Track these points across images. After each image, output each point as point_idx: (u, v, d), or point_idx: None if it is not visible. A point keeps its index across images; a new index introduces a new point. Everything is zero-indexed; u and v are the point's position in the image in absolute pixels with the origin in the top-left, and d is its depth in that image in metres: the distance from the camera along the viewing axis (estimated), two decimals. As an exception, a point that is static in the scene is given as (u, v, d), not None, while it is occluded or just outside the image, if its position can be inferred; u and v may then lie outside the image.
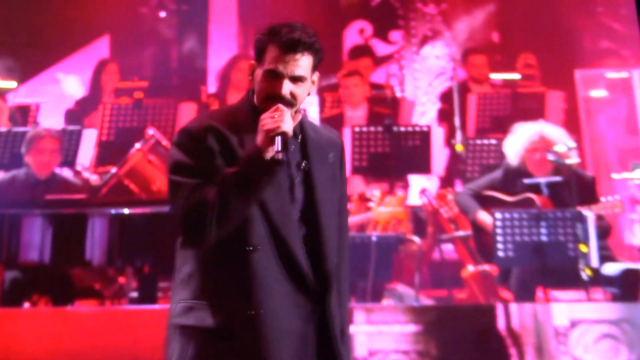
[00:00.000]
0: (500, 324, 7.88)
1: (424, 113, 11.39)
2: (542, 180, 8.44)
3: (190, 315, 3.59)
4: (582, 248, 8.16)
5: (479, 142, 9.54)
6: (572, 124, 9.79)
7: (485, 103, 10.21)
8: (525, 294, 8.16)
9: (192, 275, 3.63)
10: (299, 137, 3.73)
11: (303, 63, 3.68)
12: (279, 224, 3.61)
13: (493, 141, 9.26)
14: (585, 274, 8.14)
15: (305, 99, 3.75)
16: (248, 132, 3.63)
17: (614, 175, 9.38)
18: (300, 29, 3.69)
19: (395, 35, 11.76)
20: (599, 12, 10.87)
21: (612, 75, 10.04)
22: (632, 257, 9.03)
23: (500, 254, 8.18)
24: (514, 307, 7.93)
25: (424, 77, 11.57)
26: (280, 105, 3.61)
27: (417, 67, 11.65)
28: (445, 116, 10.34)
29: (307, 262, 3.64)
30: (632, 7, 10.11)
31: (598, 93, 10.17)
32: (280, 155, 3.55)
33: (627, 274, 8.31)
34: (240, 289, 3.57)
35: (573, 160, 8.45)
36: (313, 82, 3.76)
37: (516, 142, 8.50)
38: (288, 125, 3.58)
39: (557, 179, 8.40)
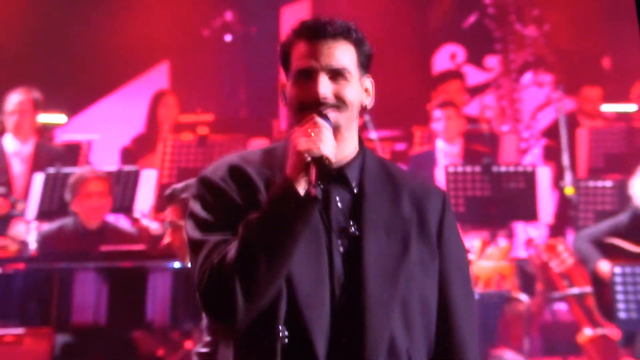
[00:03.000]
0: (624, 396, 7.45)
1: (527, 150, 10.75)
2: None
3: None
4: None
5: (592, 184, 9.03)
6: None
7: (598, 139, 9.73)
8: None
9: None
10: (353, 182, 2.84)
11: (341, 52, 2.85)
12: (302, 307, 2.79)
13: (608, 183, 8.82)
14: None
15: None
16: (283, 171, 2.82)
17: None
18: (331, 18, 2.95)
19: (492, 60, 11.30)
20: None
21: None
22: None
23: (622, 315, 7.69)
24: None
25: (525, 108, 10.91)
26: (317, 117, 2.77)
27: (517, 97, 10.99)
28: (551, 154, 9.87)
29: None
30: None
31: None
32: (313, 191, 2.71)
33: None
34: None
35: None
36: (367, 91, 2.89)
37: None
38: (328, 145, 2.73)
39: None
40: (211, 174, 2.93)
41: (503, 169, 8.83)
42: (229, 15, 11.18)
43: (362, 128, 9.00)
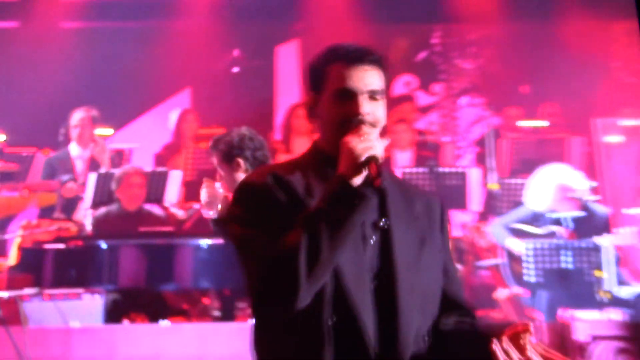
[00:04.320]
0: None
1: (461, 156, 11.27)
2: (565, 215, 8.51)
3: None
4: (598, 274, 8.29)
5: (512, 181, 9.49)
6: (591, 166, 9.78)
7: (517, 147, 10.14)
8: (551, 314, 8.13)
9: (261, 344, 2.91)
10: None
11: (375, 77, 2.91)
12: (350, 291, 2.80)
13: (523, 181, 9.16)
14: (600, 296, 8.25)
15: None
16: (317, 179, 2.88)
17: (628, 210, 9.28)
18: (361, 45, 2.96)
19: (437, 87, 11.71)
20: (614, 67, 10.82)
21: (625, 123, 9.97)
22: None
23: (531, 279, 8.28)
24: (542, 325, 7.92)
25: (461, 124, 11.47)
26: (365, 127, 2.85)
27: (456, 116, 11.54)
28: (481, 159, 10.24)
29: (377, 345, 2.80)
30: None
31: (613, 139, 10.01)
32: (379, 182, 2.76)
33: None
34: None
35: (591, 197, 8.71)
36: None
37: (542, 183, 8.56)
38: (378, 147, 2.81)
39: (579, 214, 8.48)
40: (254, 180, 2.89)
41: (443, 169, 9.45)
42: (236, 52, 11.58)
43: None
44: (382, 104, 2.90)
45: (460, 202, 9.35)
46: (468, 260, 9.10)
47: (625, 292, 8.35)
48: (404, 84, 11.65)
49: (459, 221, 9.60)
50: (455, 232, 9.39)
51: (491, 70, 11.38)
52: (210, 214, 5.51)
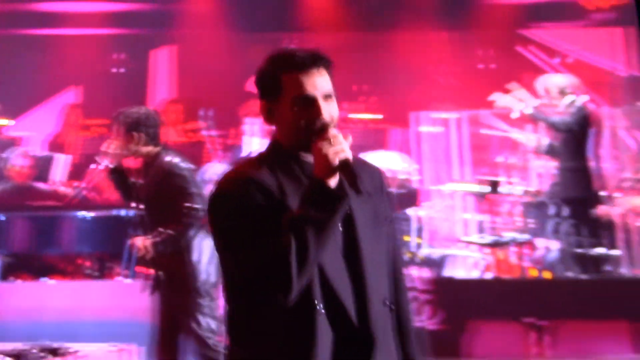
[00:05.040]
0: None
1: None
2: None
3: None
4: (406, 238, 9.36)
5: None
6: (408, 152, 10.68)
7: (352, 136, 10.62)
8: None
9: (249, 331, 2.90)
10: None
11: (327, 79, 2.93)
12: (334, 282, 2.87)
13: None
14: (407, 256, 9.23)
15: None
16: (285, 177, 2.88)
17: (435, 187, 10.24)
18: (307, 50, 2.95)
19: None
20: (429, 70, 11.52)
21: (437, 115, 10.83)
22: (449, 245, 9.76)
23: None
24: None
25: None
26: (332, 129, 2.85)
27: None
28: None
29: (356, 320, 2.88)
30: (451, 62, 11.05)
31: (427, 129, 10.83)
32: (357, 183, 2.79)
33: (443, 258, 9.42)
34: (305, 350, 2.83)
35: (407, 177, 9.86)
36: None
37: None
38: (348, 149, 2.83)
39: (398, 191, 9.50)
40: (232, 190, 2.84)
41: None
42: (117, 55, 12.06)
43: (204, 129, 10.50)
44: (334, 101, 2.93)
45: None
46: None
47: (428, 253, 9.44)
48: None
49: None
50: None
51: (333, 71, 11.72)
52: (110, 165, 6.00)
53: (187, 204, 5.98)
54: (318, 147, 2.79)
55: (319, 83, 2.89)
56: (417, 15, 11.03)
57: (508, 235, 9.39)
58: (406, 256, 9.19)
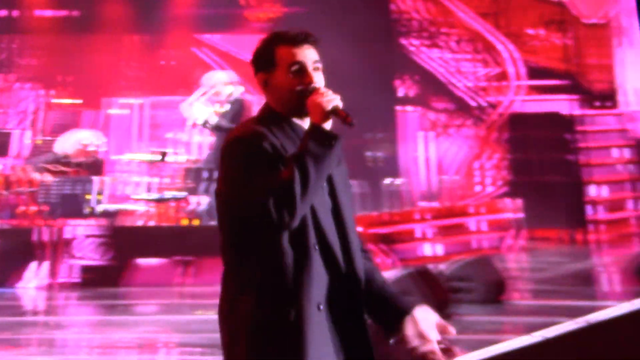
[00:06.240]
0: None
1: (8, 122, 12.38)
2: (77, 160, 10.94)
3: (258, 311, 2.99)
4: (87, 197, 10.81)
5: (49, 138, 11.60)
6: (98, 129, 11.85)
7: (54, 116, 12.10)
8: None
9: (255, 275, 3.02)
10: None
11: (315, 52, 3.20)
12: (325, 227, 3.09)
13: (55, 138, 11.24)
14: (87, 210, 10.70)
15: None
16: (282, 135, 3.12)
17: (117, 157, 11.57)
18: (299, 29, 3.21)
19: (9, 77, 12.75)
20: (122, 63, 12.56)
21: (123, 101, 12.16)
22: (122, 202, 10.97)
23: (51, 200, 10.45)
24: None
25: (14, 101, 12.52)
26: (321, 87, 3.12)
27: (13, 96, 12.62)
28: (30, 124, 12.07)
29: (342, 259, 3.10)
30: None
31: (115, 111, 12.16)
32: (350, 119, 3.03)
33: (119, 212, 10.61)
34: (305, 286, 2.99)
35: (93, 148, 11.28)
36: None
37: (67, 138, 11.03)
38: (337, 98, 3.08)
39: (87, 159, 10.99)
40: (241, 136, 3.05)
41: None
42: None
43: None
44: (321, 72, 3.17)
45: (3, 151, 11.51)
46: (13, 188, 10.95)
47: (106, 208, 11.02)
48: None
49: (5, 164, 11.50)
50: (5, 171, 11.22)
51: (44, 65, 12.86)
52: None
53: None
54: (312, 100, 3.07)
55: (309, 55, 3.16)
56: (114, 21, 12.59)
57: (169, 194, 11.07)
58: (87, 210, 10.63)
